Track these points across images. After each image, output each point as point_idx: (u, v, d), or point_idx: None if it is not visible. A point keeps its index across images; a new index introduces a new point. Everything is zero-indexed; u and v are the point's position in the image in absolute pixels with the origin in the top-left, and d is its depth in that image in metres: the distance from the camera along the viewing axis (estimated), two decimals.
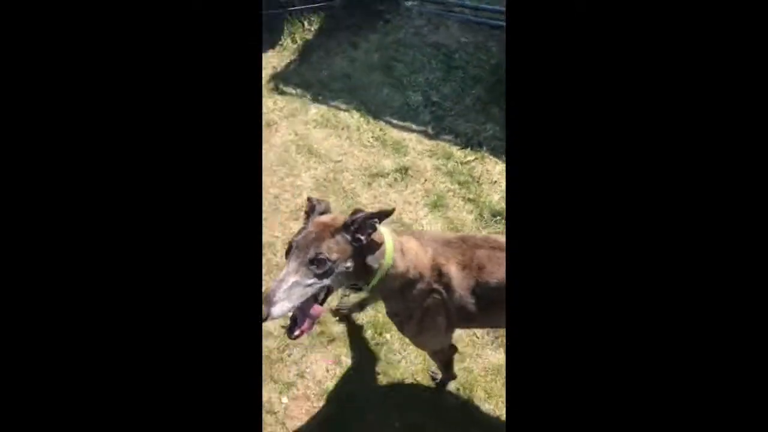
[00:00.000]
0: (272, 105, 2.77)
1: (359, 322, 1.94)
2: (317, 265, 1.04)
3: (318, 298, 1.09)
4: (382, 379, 1.81)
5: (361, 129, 2.64)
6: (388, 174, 2.43)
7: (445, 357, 1.54)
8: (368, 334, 1.92)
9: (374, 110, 2.73)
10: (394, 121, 2.68)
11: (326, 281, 1.06)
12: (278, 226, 2.25)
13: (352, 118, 2.69)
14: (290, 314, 1.07)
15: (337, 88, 2.84)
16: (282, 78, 2.93)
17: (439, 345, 1.42)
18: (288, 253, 1.07)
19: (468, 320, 1.29)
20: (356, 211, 1.11)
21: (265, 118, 2.67)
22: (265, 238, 2.18)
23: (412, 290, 1.21)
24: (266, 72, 2.96)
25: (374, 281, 1.15)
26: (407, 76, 2.88)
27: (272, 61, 3.05)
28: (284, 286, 1.01)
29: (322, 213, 1.15)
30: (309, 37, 3.17)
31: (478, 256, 1.23)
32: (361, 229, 1.08)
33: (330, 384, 1.81)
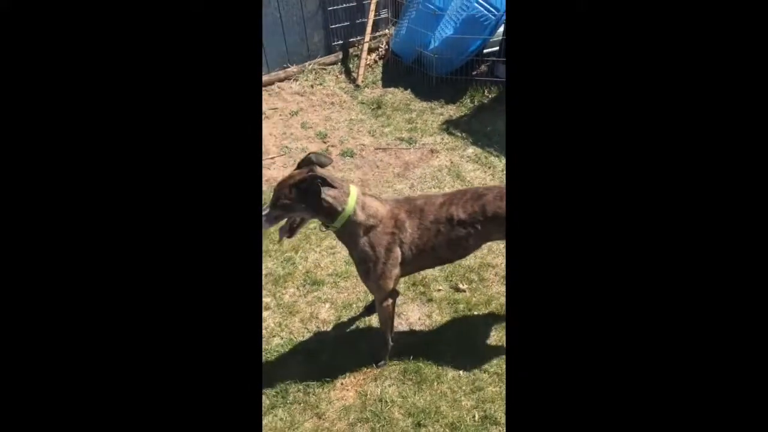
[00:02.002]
0: (440, 140, 3.55)
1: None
2: (279, 206, 1.64)
3: (295, 222, 1.74)
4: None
5: (504, 171, 3.19)
6: None
7: (391, 308, 1.95)
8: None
9: None
10: None
11: (288, 213, 1.68)
12: None
13: (500, 161, 3.27)
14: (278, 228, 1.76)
15: (495, 139, 3.50)
16: (453, 123, 3.73)
17: (392, 283, 1.85)
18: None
19: (415, 254, 1.82)
20: (311, 170, 1.65)
21: (430, 147, 3.44)
22: None
23: (375, 233, 1.75)
24: (443, 117, 3.80)
25: (337, 224, 1.70)
26: None
27: (450, 111, 3.88)
28: (264, 212, 1.64)
29: (320, 165, 1.71)
30: (485, 101, 3.95)
31: (418, 205, 1.83)
32: (308, 187, 1.62)
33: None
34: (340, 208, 1.68)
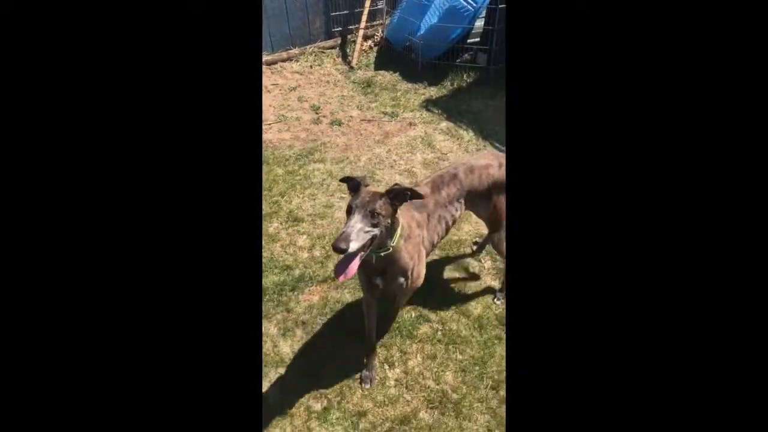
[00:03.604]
0: (418, 115, 4.00)
1: None
2: (373, 216, 1.42)
3: (367, 246, 1.44)
4: None
5: (471, 141, 3.64)
6: None
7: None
8: None
9: (485, 134, 3.72)
10: (497, 144, 3.62)
11: (376, 230, 1.44)
12: (394, 177, 3.34)
13: (468, 134, 3.72)
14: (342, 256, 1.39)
15: (467, 116, 3.95)
16: (433, 102, 4.18)
17: (424, 273, 1.85)
18: (349, 212, 1.44)
19: (429, 244, 1.86)
20: (395, 185, 1.50)
21: (409, 119, 3.90)
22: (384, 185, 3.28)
23: (411, 240, 1.69)
24: (424, 97, 4.26)
25: (395, 239, 1.55)
26: None
27: (431, 91, 4.34)
28: (356, 229, 1.38)
29: (366, 185, 1.55)
30: (464, 85, 4.39)
31: (424, 204, 1.82)
32: (397, 197, 1.50)
33: None
34: (399, 224, 1.58)
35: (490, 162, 1.96)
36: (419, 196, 1.51)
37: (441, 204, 1.86)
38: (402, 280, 1.70)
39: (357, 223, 1.39)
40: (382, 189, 1.55)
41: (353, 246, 1.36)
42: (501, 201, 1.99)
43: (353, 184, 1.56)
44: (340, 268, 1.42)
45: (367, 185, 1.55)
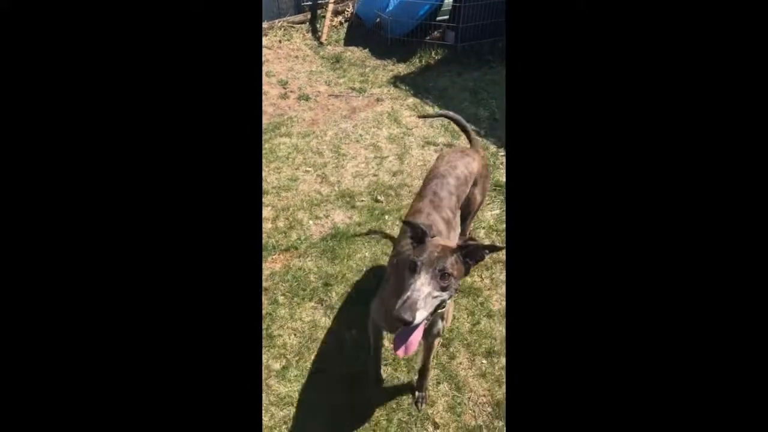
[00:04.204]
0: (386, 91, 4.04)
1: None
2: (443, 278, 1.15)
3: (432, 314, 1.17)
4: None
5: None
6: (437, 144, 3.42)
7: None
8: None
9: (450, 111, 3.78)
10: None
11: (445, 295, 1.17)
12: (359, 151, 3.39)
13: (433, 110, 3.79)
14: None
15: (433, 93, 4.01)
16: (401, 78, 4.22)
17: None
18: (413, 269, 1.16)
19: None
20: (469, 239, 1.38)
21: (377, 95, 3.93)
22: (354, 163, 3.33)
23: None
24: (392, 73, 4.30)
25: (449, 300, 1.26)
26: (485, 100, 3.90)
27: (400, 68, 4.37)
28: (422, 295, 1.11)
29: (433, 236, 1.26)
30: (432, 62, 4.44)
31: (439, 231, 1.59)
32: (471, 254, 1.22)
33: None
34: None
35: (469, 159, 1.93)
36: (498, 248, 1.27)
37: (450, 223, 1.68)
38: (440, 323, 1.49)
39: (424, 287, 1.14)
40: (447, 243, 1.27)
41: (420, 316, 1.11)
42: (475, 190, 1.98)
43: (418, 234, 1.28)
44: (400, 340, 1.18)
45: (433, 236, 1.28)
